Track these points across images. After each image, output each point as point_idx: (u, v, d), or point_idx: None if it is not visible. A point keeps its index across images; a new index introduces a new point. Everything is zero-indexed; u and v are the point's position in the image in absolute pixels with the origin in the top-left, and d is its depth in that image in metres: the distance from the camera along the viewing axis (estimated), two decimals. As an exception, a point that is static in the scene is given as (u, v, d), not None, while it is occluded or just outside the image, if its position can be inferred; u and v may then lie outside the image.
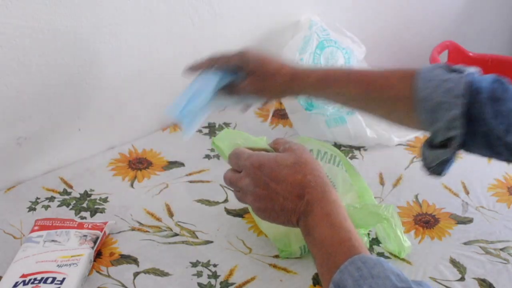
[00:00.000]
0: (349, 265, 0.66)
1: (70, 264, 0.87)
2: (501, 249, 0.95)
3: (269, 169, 0.78)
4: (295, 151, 0.80)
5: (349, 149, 1.21)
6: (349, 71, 0.90)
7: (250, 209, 0.89)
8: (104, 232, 0.95)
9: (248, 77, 0.95)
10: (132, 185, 1.09)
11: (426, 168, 0.82)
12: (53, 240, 0.92)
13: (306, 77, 0.91)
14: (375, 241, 0.97)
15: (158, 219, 1.01)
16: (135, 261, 0.93)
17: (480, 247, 0.96)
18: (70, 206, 1.03)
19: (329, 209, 0.74)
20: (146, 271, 0.91)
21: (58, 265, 0.87)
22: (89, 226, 0.95)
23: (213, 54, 0.99)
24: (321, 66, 0.97)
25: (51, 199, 1.05)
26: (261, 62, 0.94)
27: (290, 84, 0.92)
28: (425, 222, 1.01)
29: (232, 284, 0.89)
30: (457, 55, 1.74)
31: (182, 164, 1.14)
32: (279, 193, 0.77)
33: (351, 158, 1.18)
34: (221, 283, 0.89)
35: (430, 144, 0.81)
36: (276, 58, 0.96)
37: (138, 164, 1.14)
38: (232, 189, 0.85)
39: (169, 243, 0.96)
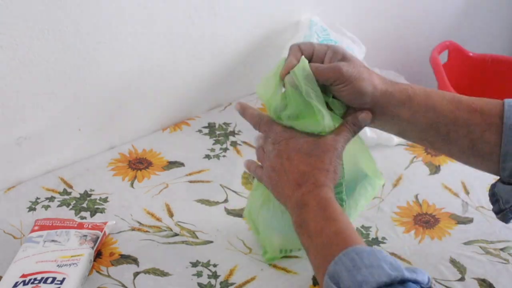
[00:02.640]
0: (343, 256, 0.66)
1: (70, 264, 0.87)
2: (501, 249, 0.95)
3: (293, 147, 0.79)
4: (322, 144, 0.78)
5: (349, 149, 1.21)
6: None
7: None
8: (104, 232, 0.95)
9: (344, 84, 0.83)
10: (132, 185, 1.09)
11: (498, 210, 0.82)
12: (53, 240, 0.92)
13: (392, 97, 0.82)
14: (375, 241, 0.97)
15: (158, 219, 1.01)
16: (135, 261, 0.93)
17: (480, 247, 0.96)
18: (70, 206, 1.03)
19: (324, 204, 0.74)
20: (146, 271, 0.91)
21: (58, 265, 0.87)
22: (89, 226, 0.95)
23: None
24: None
25: (51, 199, 1.05)
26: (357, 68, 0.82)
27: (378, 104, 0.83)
28: (425, 222, 1.01)
29: (232, 284, 0.89)
30: (457, 55, 1.74)
31: (182, 164, 1.14)
32: (286, 171, 0.78)
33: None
34: (221, 283, 0.89)
35: (506, 181, 0.79)
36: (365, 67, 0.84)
37: (138, 164, 1.14)
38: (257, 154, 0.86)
39: (169, 243, 0.96)
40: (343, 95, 0.80)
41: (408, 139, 0.88)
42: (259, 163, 0.85)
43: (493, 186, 0.82)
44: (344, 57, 0.81)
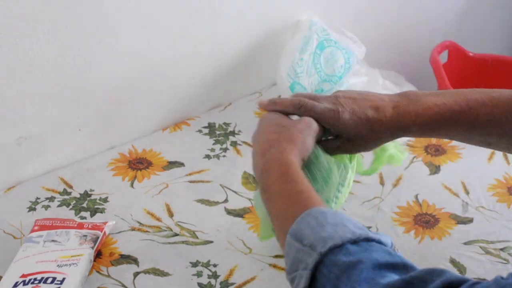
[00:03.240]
0: (306, 216, 0.65)
1: (70, 264, 0.87)
2: (501, 249, 0.95)
3: (265, 123, 0.82)
4: (298, 120, 0.81)
5: (349, 149, 1.21)
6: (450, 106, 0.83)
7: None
8: (104, 232, 0.95)
9: (342, 139, 0.84)
10: (132, 185, 1.09)
11: None
12: (53, 240, 0.92)
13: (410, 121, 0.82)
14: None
15: (158, 219, 1.01)
16: (135, 261, 0.93)
17: (480, 247, 0.96)
18: (70, 206, 1.03)
19: (286, 168, 0.74)
20: (146, 271, 0.91)
21: (58, 265, 0.87)
22: (89, 226, 0.95)
23: (299, 97, 0.85)
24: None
25: (51, 199, 1.05)
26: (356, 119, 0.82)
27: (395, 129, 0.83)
28: (425, 222, 1.01)
29: (232, 284, 0.89)
30: (457, 55, 1.74)
31: (182, 164, 1.14)
32: (256, 143, 0.81)
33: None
34: (221, 283, 0.89)
35: None
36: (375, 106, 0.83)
37: (138, 164, 1.14)
38: None
39: (169, 243, 0.96)
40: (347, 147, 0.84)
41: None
42: None
43: None
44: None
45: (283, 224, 0.68)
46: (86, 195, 1.06)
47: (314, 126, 0.80)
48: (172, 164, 1.14)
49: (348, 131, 0.82)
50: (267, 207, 0.74)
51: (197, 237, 0.97)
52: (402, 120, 0.81)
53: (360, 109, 0.81)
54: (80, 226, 0.95)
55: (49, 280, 0.85)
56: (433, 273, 0.56)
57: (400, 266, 0.59)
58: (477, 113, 0.80)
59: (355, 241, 0.61)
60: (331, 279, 0.59)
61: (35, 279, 0.85)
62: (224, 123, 1.26)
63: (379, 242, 0.63)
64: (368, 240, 0.62)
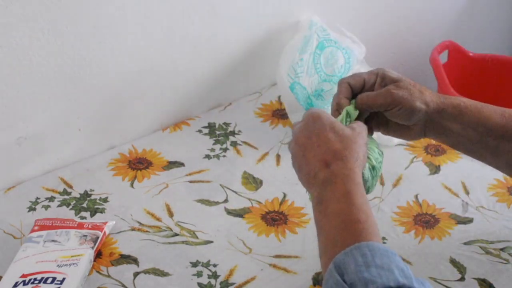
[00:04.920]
0: (355, 249, 0.64)
1: (70, 264, 0.87)
2: (501, 249, 0.95)
3: (321, 125, 0.77)
4: (355, 129, 0.78)
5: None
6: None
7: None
8: (104, 232, 0.95)
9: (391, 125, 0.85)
10: (132, 185, 1.09)
11: None
12: (53, 240, 0.92)
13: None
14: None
15: (158, 219, 1.01)
16: (135, 261, 0.93)
17: (480, 247, 0.96)
18: (70, 206, 1.03)
19: (351, 188, 0.72)
20: (146, 271, 0.91)
21: (58, 265, 0.87)
22: (89, 226, 0.95)
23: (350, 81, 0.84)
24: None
25: (51, 199, 1.05)
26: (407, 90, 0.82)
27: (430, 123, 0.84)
28: (425, 222, 1.01)
29: (232, 284, 0.89)
30: (457, 55, 1.74)
31: (182, 164, 1.14)
32: (314, 148, 0.76)
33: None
34: (221, 283, 0.89)
35: None
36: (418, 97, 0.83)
37: (138, 164, 1.14)
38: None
39: (169, 243, 0.96)
40: (398, 117, 0.81)
41: (458, 150, 0.89)
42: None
43: None
44: (393, 80, 0.82)
45: (331, 248, 0.67)
46: (86, 195, 1.06)
47: (365, 133, 0.79)
48: (172, 164, 1.14)
49: (409, 118, 0.82)
50: (318, 219, 0.72)
51: (197, 237, 0.97)
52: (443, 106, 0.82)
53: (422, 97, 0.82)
54: (80, 226, 0.95)
55: (49, 280, 0.85)
56: None
57: None
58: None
59: None
60: None
61: (35, 279, 0.85)
62: (224, 123, 1.26)
63: None
64: None
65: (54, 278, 0.85)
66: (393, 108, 0.80)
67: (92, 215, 1.02)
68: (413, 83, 0.82)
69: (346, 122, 0.81)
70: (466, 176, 1.11)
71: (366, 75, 0.84)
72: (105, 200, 1.05)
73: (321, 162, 0.75)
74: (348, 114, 0.82)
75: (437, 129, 0.83)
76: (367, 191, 0.80)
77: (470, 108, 0.82)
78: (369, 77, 0.83)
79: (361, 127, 0.79)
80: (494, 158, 0.84)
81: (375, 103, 0.81)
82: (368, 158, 0.79)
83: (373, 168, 0.80)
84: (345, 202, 0.71)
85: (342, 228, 0.68)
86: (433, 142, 1.20)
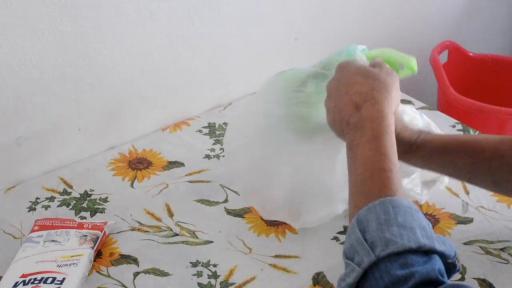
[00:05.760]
0: (378, 205, 0.63)
1: (70, 264, 0.87)
2: (501, 249, 0.95)
3: (348, 71, 0.77)
4: (382, 69, 0.78)
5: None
6: (458, 138, 0.86)
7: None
8: (104, 232, 0.95)
9: None
10: (132, 185, 1.09)
11: None
12: (53, 240, 0.92)
13: (428, 142, 0.84)
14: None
15: (158, 219, 1.01)
16: (135, 261, 0.93)
17: (480, 247, 0.96)
18: (70, 206, 1.03)
19: (379, 133, 0.70)
20: (146, 271, 0.91)
21: (58, 265, 0.87)
22: (89, 226, 0.95)
23: None
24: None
25: (51, 199, 1.05)
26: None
27: (404, 151, 0.84)
28: (425, 222, 1.01)
29: (232, 284, 0.89)
30: (457, 55, 1.74)
31: (182, 164, 1.14)
32: (343, 96, 0.75)
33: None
34: (221, 283, 0.89)
35: None
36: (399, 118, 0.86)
37: (138, 164, 1.14)
38: None
39: (169, 243, 0.96)
40: None
41: None
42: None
43: None
44: None
45: (355, 196, 0.67)
46: (86, 195, 1.06)
47: (397, 79, 0.78)
48: (172, 164, 1.14)
49: None
50: (349, 165, 0.71)
51: (197, 237, 0.97)
52: (417, 139, 0.84)
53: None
54: (80, 226, 0.95)
55: (49, 280, 0.85)
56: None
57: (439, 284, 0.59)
58: (483, 145, 0.82)
59: (416, 251, 0.60)
60: (379, 285, 0.59)
61: (35, 279, 0.85)
62: (224, 123, 1.26)
63: (442, 254, 0.61)
64: (430, 251, 0.61)
65: (54, 278, 0.85)
66: None
67: (92, 215, 1.02)
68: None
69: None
70: (466, 176, 1.11)
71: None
72: (105, 200, 1.05)
73: (352, 107, 0.73)
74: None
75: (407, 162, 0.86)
76: None
77: (439, 153, 0.84)
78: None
79: (390, 69, 0.78)
80: (472, 183, 0.88)
81: None
82: None
83: None
84: (373, 148, 0.69)
85: (367, 176, 0.67)
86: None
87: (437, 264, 0.61)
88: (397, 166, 0.69)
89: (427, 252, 0.61)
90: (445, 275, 0.61)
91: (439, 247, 0.61)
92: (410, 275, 0.58)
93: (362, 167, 0.69)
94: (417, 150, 0.84)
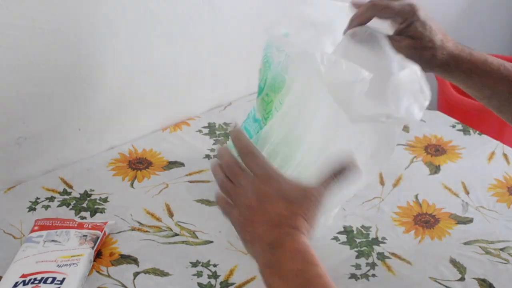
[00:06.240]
0: None
1: (70, 264, 0.87)
2: (501, 249, 0.95)
3: (272, 189, 0.75)
4: (311, 188, 0.75)
5: (349, 149, 1.20)
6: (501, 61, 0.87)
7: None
8: (104, 232, 0.95)
9: (408, 38, 0.86)
10: (132, 185, 1.09)
11: None
12: (53, 240, 0.92)
13: (465, 60, 0.86)
14: (375, 241, 0.97)
15: (158, 219, 1.01)
16: (135, 261, 0.93)
17: (480, 247, 0.96)
18: (70, 206, 1.03)
19: (303, 248, 0.71)
20: (146, 271, 0.91)
21: (58, 265, 0.87)
22: (89, 226, 0.95)
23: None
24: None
25: (51, 199, 1.05)
26: (429, 29, 0.86)
27: (447, 63, 0.87)
28: (425, 222, 1.01)
29: (232, 284, 0.89)
30: (457, 55, 1.74)
31: (182, 164, 1.14)
32: (263, 212, 0.74)
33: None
34: (221, 283, 0.89)
35: None
36: (442, 30, 0.88)
37: (138, 164, 1.14)
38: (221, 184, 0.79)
39: (169, 243, 0.96)
40: (410, 48, 0.84)
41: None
42: (228, 199, 0.78)
43: None
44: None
45: None
46: (86, 195, 1.06)
47: (323, 199, 0.75)
48: (172, 164, 1.14)
49: (418, 32, 0.84)
50: (271, 283, 0.70)
51: (197, 237, 0.97)
52: (458, 52, 0.86)
53: (433, 24, 0.85)
54: (80, 226, 0.95)
55: (49, 280, 0.85)
56: None
57: None
58: None
59: None
60: None
61: (35, 279, 0.85)
62: (224, 123, 1.26)
63: None
64: None
65: (54, 278, 0.85)
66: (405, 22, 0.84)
67: (92, 215, 1.02)
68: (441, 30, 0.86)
69: None
70: (466, 176, 1.11)
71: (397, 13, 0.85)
72: (105, 200, 1.05)
73: (268, 227, 0.73)
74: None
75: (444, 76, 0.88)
76: None
77: (479, 73, 0.85)
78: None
79: (317, 192, 0.75)
80: (498, 112, 0.89)
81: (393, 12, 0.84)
82: None
83: None
84: (301, 262, 0.69)
85: (305, 285, 0.68)
86: (433, 142, 1.20)
87: None
88: (324, 270, 0.70)
89: None
90: None
91: None
92: None
93: (296, 280, 0.68)
94: (458, 64, 0.85)
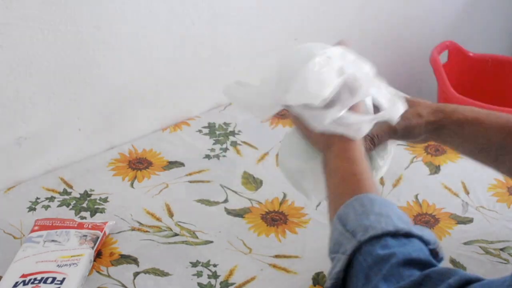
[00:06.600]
0: (354, 201, 0.67)
1: (70, 264, 0.87)
2: (501, 249, 0.95)
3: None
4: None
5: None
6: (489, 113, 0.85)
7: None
8: (104, 232, 0.95)
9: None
10: (132, 185, 1.09)
11: None
12: (53, 240, 0.92)
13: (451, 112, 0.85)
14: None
15: (158, 219, 1.01)
16: (135, 261, 0.93)
17: (480, 247, 0.96)
18: (70, 206, 1.03)
19: (348, 146, 0.74)
20: (146, 271, 0.91)
21: (58, 265, 0.87)
22: (89, 226, 0.95)
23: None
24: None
25: (51, 199, 1.05)
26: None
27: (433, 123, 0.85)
28: (425, 222, 1.01)
29: (232, 284, 0.89)
30: (457, 55, 1.74)
31: (182, 164, 1.14)
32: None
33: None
34: (221, 283, 0.89)
35: None
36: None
37: (138, 164, 1.14)
38: None
39: (169, 243, 0.96)
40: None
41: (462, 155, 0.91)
42: None
43: None
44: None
45: (334, 202, 0.70)
46: (86, 195, 1.06)
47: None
48: (172, 164, 1.14)
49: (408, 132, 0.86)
50: (326, 181, 0.75)
51: (197, 237, 0.97)
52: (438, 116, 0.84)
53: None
54: (80, 226, 0.95)
55: (49, 280, 0.85)
56: (451, 270, 0.59)
57: (427, 265, 0.61)
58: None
59: (394, 234, 0.62)
60: (364, 267, 0.61)
61: (35, 279, 0.85)
62: (224, 123, 1.26)
63: (421, 238, 0.63)
64: (409, 235, 0.63)
65: (54, 278, 0.85)
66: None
67: (92, 215, 1.02)
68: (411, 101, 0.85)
69: None
70: (466, 176, 1.11)
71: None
72: (105, 200, 1.05)
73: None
74: None
75: (438, 141, 0.87)
76: None
77: (471, 122, 0.83)
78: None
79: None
80: (495, 165, 0.85)
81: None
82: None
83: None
84: (342, 158, 0.73)
85: (340, 183, 0.71)
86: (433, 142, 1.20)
87: (419, 246, 0.63)
88: (368, 170, 0.73)
89: (405, 236, 0.63)
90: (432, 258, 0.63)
91: (416, 231, 0.63)
92: (391, 254, 0.61)
93: (335, 177, 0.73)
94: (444, 127, 0.85)
